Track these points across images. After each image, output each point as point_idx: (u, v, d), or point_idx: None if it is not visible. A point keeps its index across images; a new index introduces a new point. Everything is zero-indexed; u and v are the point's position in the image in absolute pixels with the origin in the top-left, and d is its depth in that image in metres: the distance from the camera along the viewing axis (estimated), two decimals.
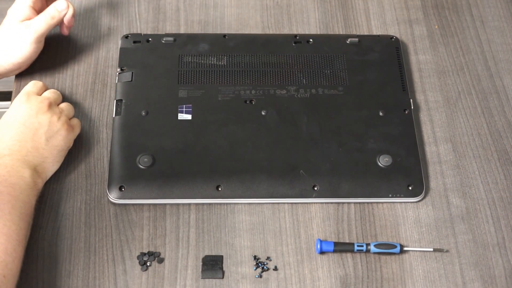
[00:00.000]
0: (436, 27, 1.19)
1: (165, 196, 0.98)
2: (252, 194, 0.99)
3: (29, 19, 1.05)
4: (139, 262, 0.94)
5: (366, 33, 1.18)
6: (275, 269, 0.94)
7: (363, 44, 1.13)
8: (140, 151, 1.00)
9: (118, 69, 1.09)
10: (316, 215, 0.99)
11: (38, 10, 1.08)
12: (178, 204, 0.99)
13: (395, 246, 0.95)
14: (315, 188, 0.99)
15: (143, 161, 0.99)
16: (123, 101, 1.05)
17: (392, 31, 1.18)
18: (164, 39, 1.12)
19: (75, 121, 1.01)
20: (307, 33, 1.17)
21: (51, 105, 0.98)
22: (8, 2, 1.07)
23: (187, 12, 1.19)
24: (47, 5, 1.10)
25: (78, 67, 1.11)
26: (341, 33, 1.18)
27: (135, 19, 1.18)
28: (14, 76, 1.09)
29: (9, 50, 1.04)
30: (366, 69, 1.10)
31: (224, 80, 1.08)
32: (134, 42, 1.12)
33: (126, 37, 1.13)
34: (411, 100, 1.08)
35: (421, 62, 1.15)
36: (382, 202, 1.00)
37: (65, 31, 1.11)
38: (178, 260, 0.95)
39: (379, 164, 1.01)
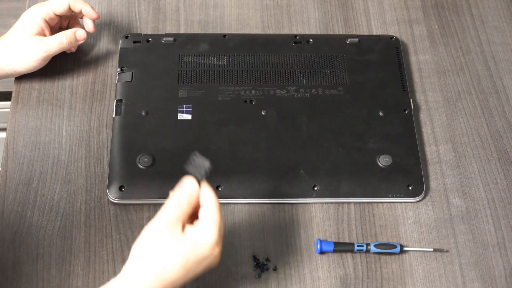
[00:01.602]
0: (436, 27, 1.19)
1: (165, 196, 0.97)
2: (252, 194, 0.99)
3: (42, 33, 1.04)
4: None
5: (366, 33, 1.18)
6: (275, 269, 0.94)
7: (363, 44, 1.13)
8: (140, 151, 1.00)
9: (118, 69, 1.09)
10: (316, 215, 0.99)
11: (52, 26, 1.07)
12: None
13: (395, 246, 0.95)
14: (315, 188, 0.99)
15: (143, 161, 0.99)
16: (123, 101, 1.05)
17: (392, 31, 1.18)
18: (164, 39, 1.12)
19: None
20: (307, 33, 1.17)
21: None
22: (8, 3, 1.06)
23: (187, 12, 1.19)
24: (60, 22, 1.09)
25: (78, 67, 1.11)
26: (341, 33, 1.18)
27: (135, 19, 1.18)
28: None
29: (15, 59, 1.03)
30: (366, 69, 1.10)
31: (224, 80, 1.08)
32: (134, 42, 1.12)
33: (126, 37, 1.13)
34: (411, 100, 1.08)
35: (421, 62, 1.15)
36: (382, 202, 1.00)
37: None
38: None
39: (379, 164, 1.01)
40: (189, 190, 0.82)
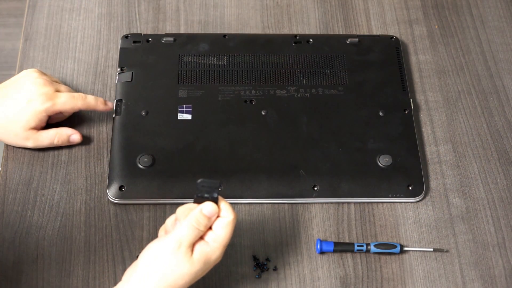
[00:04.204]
0: (436, 27, 1.19)
1: (165, 196, 0.98)
2: (252, 194, 0.99)
3: (39, 126, 0.99)
4: None
5: (366, 33, 1.18)
6: (275, 269, 0.94)
7: (363, 44, 1.13)
8: (140, 151, 1.00)
9: (118, 69, 1.09)
10: (316, 215, 0.99)
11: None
12: (178, 204, 0.98)
13: (395, 246, 0.95)
14: (315, 188, 0.99)
15: (143, 161, 0.99)
16: (123, 101, 1.05)
17: (392, 31, 1.18)
18: (164, 39, 1.12)
19: None
20: (307, 33, 1.17)
21: None
22: (8, 2, 1.06)
23: (187, 12, 1.19)
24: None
25: (78, 67, 1.11)
26: (341, 33, 1.18)
27: (135, 19, 1.18)
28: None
29: (1, 133, 0.99)
30: (366, 69, 1.10)
31: (224, 80, 1.08)
32: (134, 42, 1.12)
33: (126, 37, 1.13)
34: (411, 100, 1.08)
35: (421, 62, 1.15)
36: (382, 202, 1.00)
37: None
38: None
39: (379, 164, 1.01)
40: (210, 214, 0.83)
